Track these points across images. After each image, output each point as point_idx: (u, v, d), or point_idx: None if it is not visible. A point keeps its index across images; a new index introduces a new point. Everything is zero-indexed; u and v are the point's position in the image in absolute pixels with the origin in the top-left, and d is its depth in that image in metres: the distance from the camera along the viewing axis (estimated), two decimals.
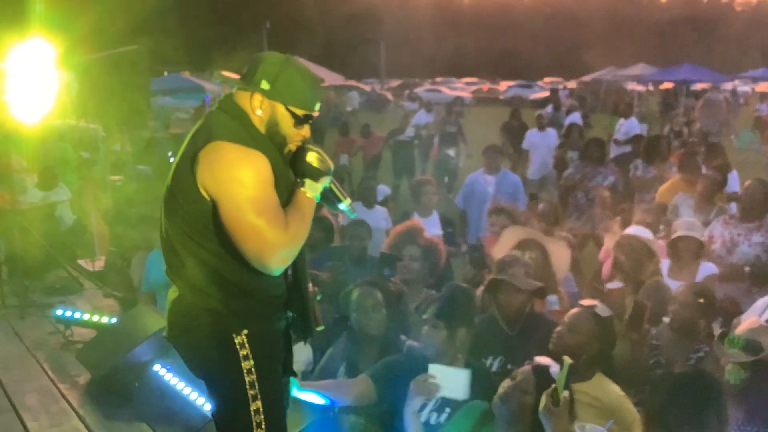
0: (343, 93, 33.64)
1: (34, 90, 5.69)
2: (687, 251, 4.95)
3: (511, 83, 51.56)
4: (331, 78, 32.80)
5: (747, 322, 3.38)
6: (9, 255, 6.21)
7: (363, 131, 14.57)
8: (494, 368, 3.82)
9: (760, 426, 3.10)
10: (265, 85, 2.43)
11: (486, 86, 53.09)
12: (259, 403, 2.41)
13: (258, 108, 2.45)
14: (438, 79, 56.76)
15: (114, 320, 4.92)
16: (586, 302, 3.53)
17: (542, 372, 2.99)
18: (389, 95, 41.24)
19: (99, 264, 7.12)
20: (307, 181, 2.48)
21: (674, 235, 5.05)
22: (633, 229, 5.02)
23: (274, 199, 2.36)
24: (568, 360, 2.76)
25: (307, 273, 2.63)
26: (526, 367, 3.06)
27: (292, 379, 2.80)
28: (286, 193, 2.46)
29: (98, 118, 9.72)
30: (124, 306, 5.63)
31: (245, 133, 2.41)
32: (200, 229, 2.38)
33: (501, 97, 45.74)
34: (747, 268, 5.20)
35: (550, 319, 3.97)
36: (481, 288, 4.20)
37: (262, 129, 2.47)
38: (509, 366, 3.77)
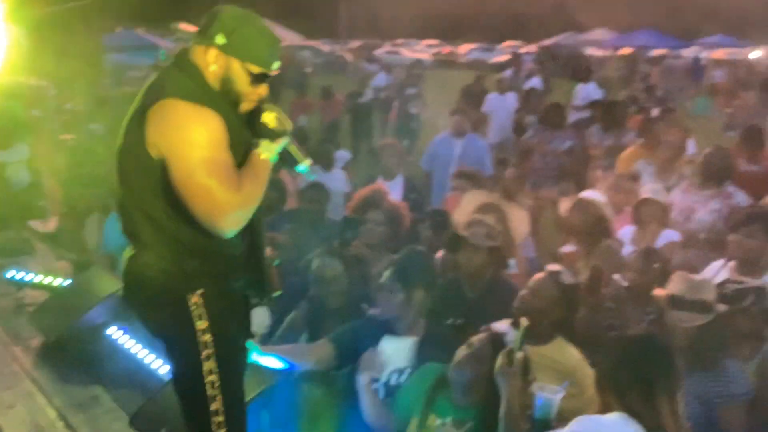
0: (299, 53, 33.24)
1: None
2: (649, 215, 4.98)
3: (472, 46, 51.42)
4: (289, 38, 32.34)
5: (675, 279, 3.44)
6: None
7: (323, 93, 14.39)
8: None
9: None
10: (220, 40, 2.35)
11: (446, 49, 52.85)
12: (213, 363, 2.38)
13: (212, 63, 2.38)
14: (398, 41, 56.28)
15: (67, 282, 4.83)
16: (551, 267, 3.54)
17: (498, 340, 3.01)
18: (349, 56, 40.84)
19: (51, 225, 6.97)
20: (263, 142, 2.42)
21: (638, 199, 5.11)
22: (586, 193, 5.07)
23: (226, 159, 2.31)
24: (524, 322, 2.79)
25: (264, 235, 2.60)
26: (482, 335, 3.07)
27: (251, 343, 2.79)
28: (242, 153, 2.40)
29: (49, 75, 9.46)
30: (77, 268, 5.54)
31: (198, 90, 2.34)
32: (151, 189, 2.33)
33: (461, 60, 45.59)
34: (702, 235, 5.24)
35: (512, 283, 4.01)
36: (441, 252, 4.22)
37: (215, 85, 2.39)
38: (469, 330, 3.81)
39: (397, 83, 15.52)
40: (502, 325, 3.18)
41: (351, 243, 4.52)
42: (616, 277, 3.96)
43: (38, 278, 4.98)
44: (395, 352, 3.32)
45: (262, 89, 2.45)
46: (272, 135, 2.44)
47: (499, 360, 2.73)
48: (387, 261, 4.45)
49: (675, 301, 3.35)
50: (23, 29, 7.19)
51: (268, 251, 2.67)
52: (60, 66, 7.31)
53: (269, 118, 2.45)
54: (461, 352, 3.04)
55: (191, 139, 2.24)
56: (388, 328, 3.50)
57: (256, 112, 2.46)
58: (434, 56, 47.30)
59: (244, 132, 2.44)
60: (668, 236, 4.95)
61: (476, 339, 3.05)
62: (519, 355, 2.71)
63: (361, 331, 3.56)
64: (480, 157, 7.39)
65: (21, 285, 5.03)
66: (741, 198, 5.35)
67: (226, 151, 2.32)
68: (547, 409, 2.61)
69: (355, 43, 51.43)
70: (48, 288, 4.91)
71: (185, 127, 2.25)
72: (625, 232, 5.14)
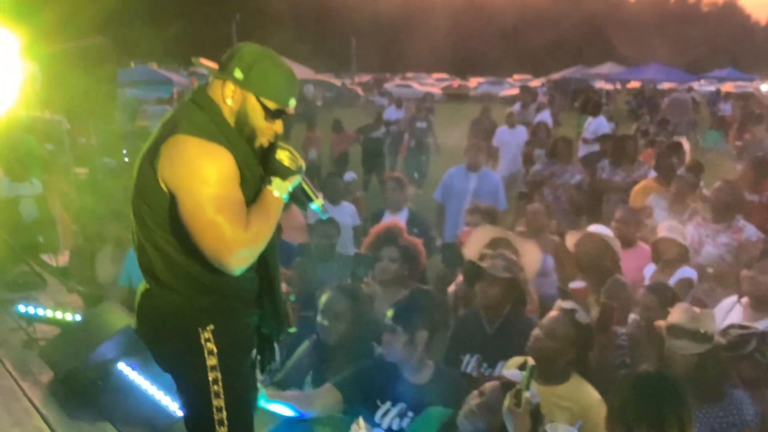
0: (310, 86, 33.53)
1: None
2: (668, 254, 4.95)
3: (481, 80, 51.81)
4: (301, 72, 32.62)
5: (676, 310, 3.40)
6: None
7: (334, 126, 14.49)
8: (470, 367, 3.80)
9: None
10: (238, 74, 2.37)
11: (456, 83, 53.23)
12: (222, 401, 2.37)
13: (229, 97, 2.39)
14: (408, 75, 56.76)
15: (78, 317, 4.84)
16: (565, 304, 3.49)
17: (512, 388, 2.94)
18: (360, 90, 41.17)
19: (63, 259, 7.00)
20: (275, 180, 2.41)
21: (655, 238, 5.08)
22: (593, 227, 5.05)
23: (235, 196, 2.30)
24: (531, 362, 2.75)
25: (279, 271, 2.58)
26: (495, 383, 2.97)
27: (260, 387, 2.77)
28: (254, 189, 2.40)
29: (63, 109, 9.56)
30: (88, 302, 5.54)
31: (212, 126, 2.35)
32: (163, 224, 2.34)
33: (471, 93, 45.90)
34: (710, 269, 5.22)
35: (532, 319, 3.96)
36: (453, 286, 4.20)
37: (231, 120, 2.40)
38: (485, 365, 3.76)
39: (407, 116, 15.60)
40: (515, 373, 3.11)
41: (363, 280, 4.48)
42: (633, 316, 3.93)
43: (49, 313, 4.98)
44: None
45: (278, 126, 2.45)
46: (285, 173, 2.43)
47: (507, 400, 2.68)
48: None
49: (673, 330, 3.32)
50: (38, 65, 7.28)
51: (283, 287, 2.66)
52: (74, 100, 7.38)
53: (282, 155, 2.44)
54: (473, 400, 2.94)
55: (201, 175, 2.25)
56: (394, 369, 3.45)
57: (269, 150, 2.46)
58: (444, 90, 47.63)
59: (257, 168, 2.44)
60: (685, 273, 4.90)
61: (489, 387, 2.95)
62: (527, 395, 2.66)
63: (367, 373, 3.50)
64: (494, 191, 7.39)
65: (32, 319, 5.03)
66: (751, 232, 5.33)
67: (236, 188, 2.32)
68: None
69: (366, 77, 51.95)
70: (59, 323, 4.91)
71: (195, 163, 2.26)
72: (648, 269, 5.10)
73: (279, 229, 2.49)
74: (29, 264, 6.24)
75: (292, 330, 2.74)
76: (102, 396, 4.08)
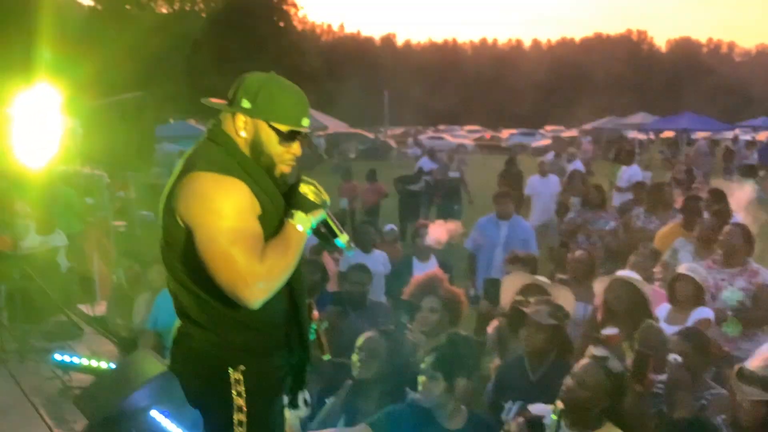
0: (344, 140, 34.00)
1: (39, 135, 5.76)
2: (683, 293, 4.90)
3: (513, 131, 52.01)
4: (335, 125, 33.09)
5: (759, 356, 3.32)
6: (9, 299, 6.19)
7: (368, 176, 14.61)
8: (512, 414, 3.74)
9: None
10: (245, 104, 2.36)
11: (488, 134, 53.51)
12: None
13: (242, 129, 2.38)
14: (441, 127, 57.25)
15: (112, 365, 4.88)
16: (597, 352, 3.42)
17: (536, 424, 2.92)
18: (392, 143, 41.57)
19: (99, 309, 7.09)
20: (298, 213, 2.38)
21: (673, 275, 5.04)
22: (622, 273, 5.00)
23: (251, 228, 2.28)
24: (559, 406, 2.71)
25: (305, 298, 2.54)
26: (520, 420, 2.96)
27: None
28: (278, 219, 2.38)
29: (102, 163, 9.79)
30: (123, 350, 5.60)
31: (228, 159, 2.34)
32: (187, 263, 2.34)
33: (503, 144, 46.05)
34: (730, 313, 5.17)
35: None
36: (495, 323, 4.17)
37: (247, 151, 2.39)
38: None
39: (440, 167, 15.69)
40: (540, 408, 3.07)
41: (407, 326, 4.46)
42: (672, 357, 3.85)
43: (84, 361, 5.03)
44: None
45: (295, 148, 2.43)
46: (309, 206, 2.40)
47: None
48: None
49: (746, 376, 3.23)
50: (78, 119, 7.48)
51: (315, 315, 2.61)
52: (113, 154, 7.54)
53: (306, 189, 2.42)
54: None
55: (214, 208, 2.24)
56: (428, 415, 3.42)
57: (293, 185, 2.45)
58: (476, 141, 47.87)
59: (280, 200, 2.42)
60: (702, 313, 4.82)
61: (514, 423, 2.95)
62: None
63: (400, 417, 3.48)
64: (526, 240, 7.37)
65: (68, 368, 5.09)
66: (766, 275, 5.31)
67: (252, 220, 2.30)
68: None
69: (398, 130, 52.45)
70: (94, 371, 4.96)
71: (209, 197, 2.25)
72: (661, 309, 5.04)
73: (303, 259, 2.46)
74: (66, 314, 6.33)
75: (327, 357, 2.71)
76: None
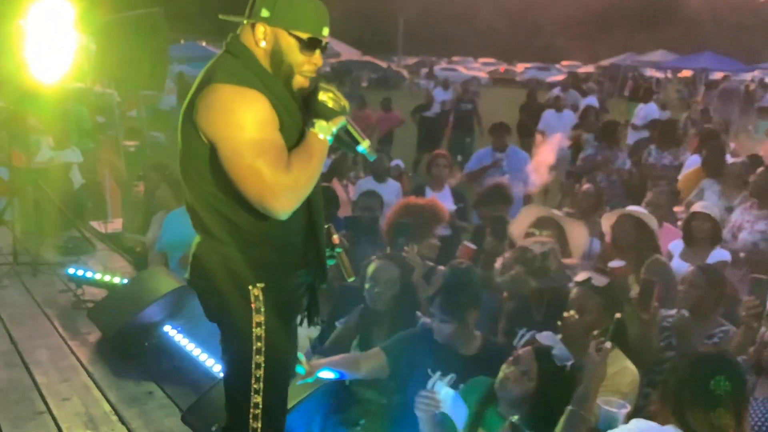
0: (357, 68, 33.57)
1: (53, 50, 5.68)
2: (700, 231, 4.88)
3: (528, 65, 51.21)
4: (347, 52, 32.65)
5: None
6: (23, 213, 6.24)
7: (383, 104, 14.45)
8: (524, 340, 3.77)
9: None
10: (265, 13, 2.33)
11: (503, 67, 52.74)
12: (261, 358, 2.38)
13: (261, 39, 2.35)
14: (455, 59, 56.36)
15: (125, 281, 4.94)
16: (579, 277, 3.49)
17: (544, 354, 2.93)
18: (405, 72, 41.05)
19: (111, 226, 7.15)
20: (319, 122, 2.36)
21: (688, 214, 5.02)
22: (630, 208, 4.99)
23: (274, 139, 2.27)
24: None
25: (322, 216, 2.54)
26: (528, 349, 2.96)
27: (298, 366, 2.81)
28: (297, 133, 2.37)
29: (115, 81, 9.71)
30: (136, 266, 5.66)
31: (247, 72, 2.32)
32: (208, 177, 2.33)
33: (518, 78, 45.45)
34: (742, 254, 5.15)
35: None
36: (500, 260, 4.18)
37: (266, 62, 2.36)
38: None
39: (453, 99, 15.51)
40: (547, 337, 3.09)
41: (403, 248, 4.48)
42: (680, 288, 3.86)
43: (97, 276, 5.10)
44: (448, 401, 3.19)
45: (316, 58, 2.39)
46: (329, 114, 2.38)
47: (590, 347, 2.79)
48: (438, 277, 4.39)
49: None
50: (91, 35, 7.37)
51: (335, 239, 2.62)
52: (126, 72, 7.45)
53: (325, 97, 2.39)
54: (507, 369, 2.93)
55: (236, 120, 2.22)
56: (444, 344, 3.45)
57: (312, 92, 2.41)
58: (490, 74, 47.23)
59: (298, 113, 2.40)
60: (720, 255, 4.82)
61: (522, 353, 2.96)
62: (608, 345, 2.76)
63: (415, 342, 3.49)
64: (522, 169, 7.33)
65: (80, 281, 5.16)
66: None
67: (275, 131, 2.29)
68: (612, 423, 2.56)
69: (412, 60, 51.70)
70: (107, 285, 5.03)
71: (230, 109, 2.23)
72: (675, 246, 5.03)
73: (323, 175, 2.44)
74: (79, 230, 6.39)
75: (351, 279, 2.73)
76: (147, 356, 4.19)
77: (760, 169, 5.48)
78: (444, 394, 3.08)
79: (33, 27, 5.54)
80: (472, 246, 4.74)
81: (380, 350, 3.50)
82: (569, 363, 2.83)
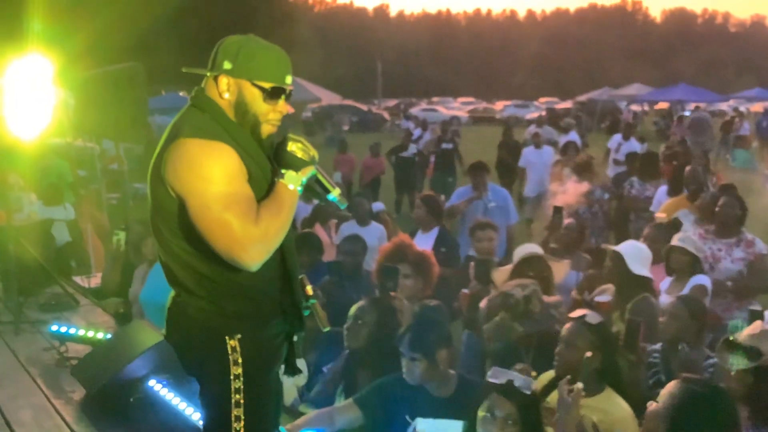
0: (338, 112, 33.81)
1: (32, 106, 5.70)
2: (678, 264, 4.95)
3: (507, 103, 51.85)
4: (328, 97, 32.90)
5: (750, 327, 3.35)
6: (4, 271, 6.18)
7: (372, 150, 14.58)
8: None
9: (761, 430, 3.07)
10: (227, 65, 2.35)
11: (482, 106, 53.33)
12: (241, 411, 2.36)
13: (225, 91, 2.37)
14: (434, 99, 57.01)
15: (108, 336, 4.89)
16: (575, 314, 3.51)
17: (515, 392, 2.90)
18: (386, 114, 41.40)
19: (95, 281, 7.09)
20: (288, 172, 2.37)
21: (667, 248, 5.08)
22: (624, 244, 5.02)
23: (243, 191, 2.27)
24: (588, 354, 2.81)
25: (297, 265, 2.53)
26: (494, 395, 2.91)
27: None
28: (266, 183, 2.37)
29: (95, 134, 9.73)
30: (119, 321, 5.60)
31: (213, 125, 2.33)
32: (178, 232, 2.34)
33: (497, 116, 45.92)
34: (729, 283, 5.24)
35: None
36: (485, 301, 4.19)
37: (231, 113, 2.38)
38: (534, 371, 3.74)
39: (434, 139, 15.65)
40: (499, 373, 3.05)
41: (391, 292, 4.47)
42: (662, 321, 3.87)
43: (81, 332, 5.04)
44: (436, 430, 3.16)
45: (281, 106, 2.41)
46: (298, 164, 2.39)
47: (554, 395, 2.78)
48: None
49: (730, 344, 3.26)
50: (70, 90, 7.41)
51: (309, 290, 2.61)
52: (106, 124, 7.48)
53: (294, 147, 2.40)
54: (481, 413, 2.91)
55: (204, 174, 2.23)
56: (417, 387, 3.41)
57: (280, 144, 2.43)
58: (470, 113, 47.71)
59: (267, 164, 2.41)
60: (698, 280, 4.86)
61: (495, 397, 2.92)
62: (579, 386, 2.76)
63: (389, 389, 3.47)
64: (504, 206, 7.36)
65: (64, 338, 5.10)
66: (762, 245, 5.41)
67: (243, 183, 2.29)
68: None
69: (391, 102, 52.24)
70: (90, 341, 4.97)
71: (198, 163, 2.24)
72: (664, 283, 5.08)
73: (295, 224, 2.46)
74: (62, 285, 6.33)
75: (327, 329, 2.72)
76: (133, 412, 4.11)
77: (722, 199, 5.63)
78: (424, 428, 3.06)
79: (11, 85, 5.57)
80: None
81: (353, 402, 3.47)
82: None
